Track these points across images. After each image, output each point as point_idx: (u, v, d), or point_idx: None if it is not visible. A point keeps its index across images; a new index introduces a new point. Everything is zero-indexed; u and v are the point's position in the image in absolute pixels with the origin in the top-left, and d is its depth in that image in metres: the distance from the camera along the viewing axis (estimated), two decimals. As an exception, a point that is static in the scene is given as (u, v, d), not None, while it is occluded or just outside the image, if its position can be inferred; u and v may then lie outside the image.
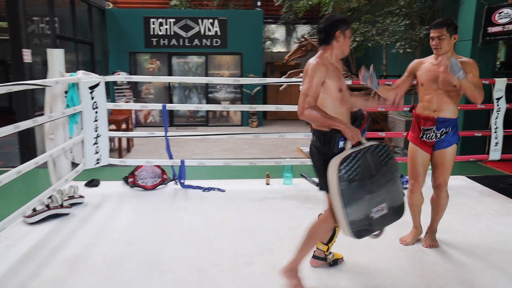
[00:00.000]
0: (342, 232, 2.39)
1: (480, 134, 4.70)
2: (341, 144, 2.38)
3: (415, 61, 3.11)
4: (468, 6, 7.31)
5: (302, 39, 7.85)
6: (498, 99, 4.39)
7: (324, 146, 2.40)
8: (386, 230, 2.47)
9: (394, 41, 7.90)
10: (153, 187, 4.50)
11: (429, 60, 3.00)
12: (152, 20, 11.07)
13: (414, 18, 7.98)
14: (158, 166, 4.56)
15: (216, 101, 11.64)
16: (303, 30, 15.47)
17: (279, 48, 15.59)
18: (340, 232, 2.73)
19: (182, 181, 4.54)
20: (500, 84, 4.36)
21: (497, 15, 6.80)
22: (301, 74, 8.04)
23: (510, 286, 2.59)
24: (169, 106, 4.39)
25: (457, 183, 4.63)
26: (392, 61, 9.77)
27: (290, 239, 3.24)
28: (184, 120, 11.72)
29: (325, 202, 2.54)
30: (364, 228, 2.36)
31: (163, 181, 4.59)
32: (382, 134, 5.21)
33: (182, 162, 4.52)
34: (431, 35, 2.89)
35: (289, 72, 8.09)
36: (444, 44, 2.84)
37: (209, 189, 4.51)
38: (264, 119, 12.50)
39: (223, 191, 4.48)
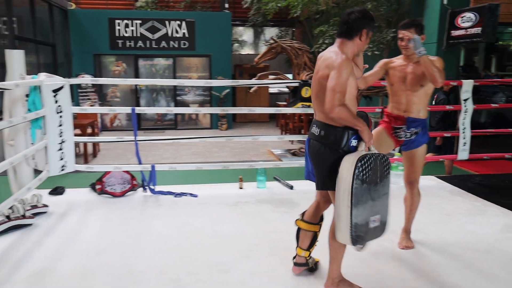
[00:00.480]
0: (338, 235, 2.31)
1: (449, 135, 4.80)
2: (353, 142, 2.32)
3: (386, 59, 3.13)
4: (432, 10, 7.50)
5: (272, 41, 7.82)
6: (465, 100, 4.50)
7: (335, 142, 2.31)
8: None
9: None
10: (122, 194, 4.33)
11: (397, 61, 3.03)
12: (117, 21, 10.79)
13: (381, 21, 8.11)
14: (127, 172, 4.40)
15: (184, 104, 11.46)
16: (271, 32, 15.50)
17: (247, 50, 15.56)
18: (319, 237, 2.69)
19: (152, 186, 4.39)
20: (467, 85, 4.46)
21: (459, 19, 7.00)
22: (271, 76, 8.04)
23: (486, 285, 2.62)
24: (138, 110, 4.24)
25: (428, 183, 4.70)
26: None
27: (267, 244, 3.17)
28: (152, 123, 11.47)
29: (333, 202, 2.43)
30: (361, 235, 2.30)
31: (133, 187, 4.42)
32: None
33: (153, 167, 4.38)
34: (400, 35, 2.90)
35: (259, 74, 8.03)
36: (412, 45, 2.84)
37: (181, 194, 4.39)
38: (234, 121, 12.41)
39: (196, 196, 4.36)
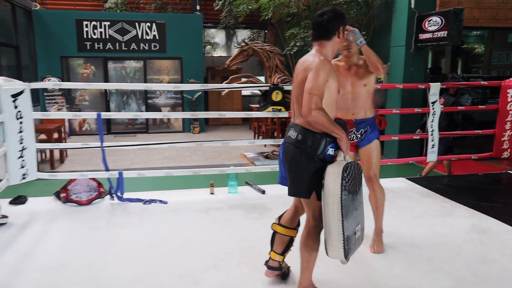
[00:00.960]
0: (330, 251, 2.22)
1: (418, 137, 4.86)
2: (330, 151, 2.25)
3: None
4: (400, 14, 7.62)
5: (243, 44, 7.77)
6: (433, 102, 4.56)
7: (311, 147, 2.24)
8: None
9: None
10: (89, 202, 4.17)
11: (339, 64, 3.06)
12: (85, 22, 10.51)
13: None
14: (94, 179, 4.24)
15: (156, 108, 11.28)
16: (243, 34, 15.46)
17: (219, 52, 15.47)
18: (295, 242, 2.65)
19: (120, 194, 4.26)
20: (435, 88, 4.53)
21: (427, 22, 7.14)
22: (243, 79, 7.98)
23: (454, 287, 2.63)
24: (104, 115, 4.10)
25: (398, 185, 4.75)
26: (331, 66, 9.97)
27: (238, 252, 3.11)
28: (123, 127, 11.23)
29: (305, 209, 2.39)
30: (350, 246, 2.24)
31: (100, 195, 4.28)
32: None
33: (120, 173, 4.24)
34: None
35: (231, 77, 7.98)
36: (353, 45, 2.95)
37: (150, 201, 4.27)
38: (206, 124, 12.30)
39: (166, 203, 4.25)
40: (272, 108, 4.28)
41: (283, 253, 2.64)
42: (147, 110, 11.18)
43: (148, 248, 3.20)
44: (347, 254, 2.20)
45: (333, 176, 2.16)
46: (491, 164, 6.28)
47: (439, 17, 6.88)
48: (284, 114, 4.35)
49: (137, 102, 11.26)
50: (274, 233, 2.66)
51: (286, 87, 4.29)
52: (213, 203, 4.25)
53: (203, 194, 4.57)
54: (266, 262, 2.69)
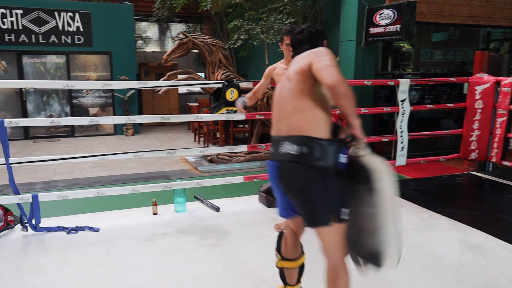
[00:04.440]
0: (387, 263, 1.79)
1: (387, 139, 4.41)
2: (342, 158, 1.80)
3: (270, 67, 3.23)
4: (350, 6, 7.23)
5: (183, 36, 6.95)
6: (402, 101, 4.13)
7: (321, 159, 1.76)
8: None
9: (280, 40, 7.49)
10: (-7, 236, 3.21)
11: (280, 65, 3.06)
12: (-9, 10, 9.03)
13: (297, 17, 7.69)
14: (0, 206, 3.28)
15: (82, 108, 10.06)
16: (178, 28, 14.55)
17: (152, 47, 14.43)
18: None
19: (35, 223, 3.33)
20: (404, 85, 4.09)
21: (377, 16, 6.81)
22: (182, 76, 7.17)
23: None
24: (8, 122, 3.12)
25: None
26: (275, 61, 9.45)
27: (197, 301, 2.40)
28: (44, 131, 9.86)
29: (323, 242, 1.91)
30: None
31: (8, 225, 3.32)
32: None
33: (35, 197, 3.30)
34: (287, 41, 3.04)
35: (168, 73, 7.13)
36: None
37: (77, 229, 3.39)
38: (141, 125, 11.25)
39: (97, 230, 3.40)
40: (227, 110, 3.58)
41: (298, 280, 2.27)
42: (72, 111, 9.93)
43: (74, 303, 2.38)
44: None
45: (385, 175, 1.75)
46: (449, 165, 6.05)
47: (391, 10, 6.56)
48: (241, 116, 3.67)
49: (60, 103, 9.96)
50: (282, 269, 2.23)
51: (243, 85, 3.63)
52: (158, 227, 3.47)
53: (144, 215, 3.77)
54: None
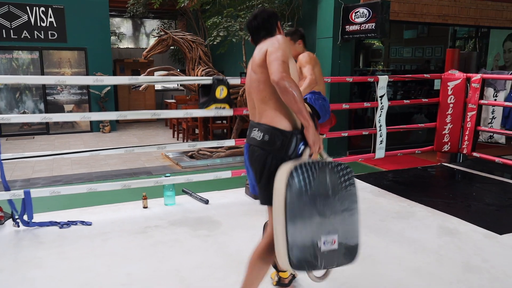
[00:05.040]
0: (278, 259, 1.89)
1: (367, 133, 4.61)
2: (302, 148, 1.96)
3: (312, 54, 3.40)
4: (326, 5, 7.43)
5: (162, 33, 6.98)
6: (381, 96, 4.34)
7: (280, 148, 1.93)
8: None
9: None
10: (-17, 232, 3.22)
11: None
12: (-41, 4, 8.75)
13: (276, 15, 7.82)
14: (-11, 202, 3.28)
15: (57, 105, 9.88)
16: (151, 24, 14.44)
17: (125, 44, 14.26)
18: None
19: (28, 219, 3.34)
20: (383, 81, 4.30)
21: (354, 14, 7.03)
22: (162, 72, 7.19)
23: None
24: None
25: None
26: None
27: (200, 284, 2.50)
28: (17, 128, 9.64)
29: (270, 219, 2.07)
30: (307, 258, 1.87)
31: (-1, 221, 3.33)
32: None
33: (27, 193, 3.32)
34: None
35: (148, 69, 7.15)
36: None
37: (69, 223, 3.43)
38: (117, 122, 11.14)
39: (89, 224, 3.45)
40: (215, 107, 3.69)
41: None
42: (46, 108, 9.75)
43: (75, 293, 2.44)
44: (296, 265, 1.85)
45: (281, 174, 1.85)
46: (422, 157, 6.35)
47: (366, 9, 6.79)
48: (229, 112, 3.78)
49: (33, 99, 9.75)
50: (276, 266, 2.38)
51: (231, 81, 3.73)
52: (150, 220, 3.55)
53: (134, 209, 3.83)
54: (279, 282, 2.41)
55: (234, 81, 3.79)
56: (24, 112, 9.60)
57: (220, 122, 9.03)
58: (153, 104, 12.62)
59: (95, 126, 10.17)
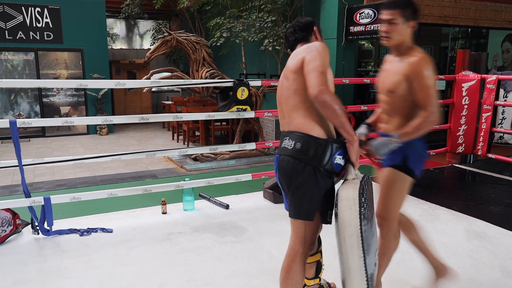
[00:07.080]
0: None
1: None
2: (338, 159, 1.82)
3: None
4: (330, 5, 7.41)
5: (166, 34, 6.86)
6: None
7: (314, 157, 1.81)
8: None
9: (262, 38, 7.56)
10: (1, 241, 3.09)
11: (388, 59, 2.26)
12: (-46, 4, 8.53)
13: (278, 16, 7.78)
14: (8, 210, 3.15)
15: (53, 107, 9.70)
16: (145, 25, 14.27)
17: (119, 45, 14.07)
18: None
19: (48, 226, 3.22)
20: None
21: (358, 15, 7.01)
22: (165, 74, 7.08)
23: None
24: (21, 123, 3.00)
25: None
26: (251, 59, 9.51)
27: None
28: (11, 131, 9.41)
29: (293, 233, 1.97)
30: (372, 284, 1.84)
31: (16, 229, 3.20)
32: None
33: (47, 200, 3.20)
34: (380, 17, 2.13)
35: (151, 71, 7.02)
36: (395, 32, 2.08)
37: (89, 230, 3.32)
38: (114, 125, 10.97)
39: (110, 231, 3.34)
40: (237, 108, 3.61)
41: (317, 275, 2.24)
42: (42, 110, 9.55)
43: (112, 304, 2.35)
44: None
45: (348, 203, 1.75)
46: (433, 159, 6.34)
47: (372, 10, 6.79)
48: (250, 114, 3.71)
49: (29, 102, 9.54)
50: None
51: (252, 83, 3.66)
52: (172, 227, 3.45)
53: (153, 215, 3.73)
54: None
55: (255, 83, 3.72)
56: (19, 115, 9.39)
57: (219, 124, 8.95)
58: (149, 105, 12.50)
59: (92, 129, 10.01)
